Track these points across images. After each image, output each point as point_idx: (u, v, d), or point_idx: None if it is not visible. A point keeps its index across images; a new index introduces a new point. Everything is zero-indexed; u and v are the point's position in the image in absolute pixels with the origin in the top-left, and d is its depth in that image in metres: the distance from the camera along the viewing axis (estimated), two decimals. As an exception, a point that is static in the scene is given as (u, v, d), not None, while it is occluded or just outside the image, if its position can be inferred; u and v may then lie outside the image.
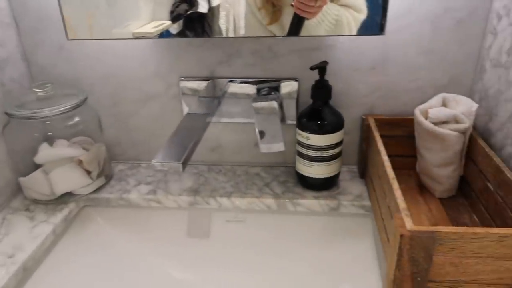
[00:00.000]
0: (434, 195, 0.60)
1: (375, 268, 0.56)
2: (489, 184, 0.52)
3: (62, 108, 0.60)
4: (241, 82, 0.66)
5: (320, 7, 0.54)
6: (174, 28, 0.64)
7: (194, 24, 0.63)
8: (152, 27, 0.60)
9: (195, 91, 0.67)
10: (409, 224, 0.41)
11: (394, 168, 0.50)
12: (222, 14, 0.61)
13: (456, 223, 0.55)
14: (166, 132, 0.71)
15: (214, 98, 0.65)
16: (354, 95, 0.64)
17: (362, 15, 0.52)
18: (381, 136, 0.62)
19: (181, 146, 0.51)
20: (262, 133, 0.60)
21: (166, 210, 0.66)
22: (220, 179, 0.69)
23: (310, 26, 0.54)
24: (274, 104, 0.59)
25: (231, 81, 0.66)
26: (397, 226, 0.41)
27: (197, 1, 0.64)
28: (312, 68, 0.56)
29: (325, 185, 0.64)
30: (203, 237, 0.67)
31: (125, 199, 0.66)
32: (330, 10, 0.53)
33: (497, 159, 0.50)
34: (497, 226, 0.49)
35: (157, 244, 0.67)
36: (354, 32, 0.52)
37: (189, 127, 0.56)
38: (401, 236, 0.40)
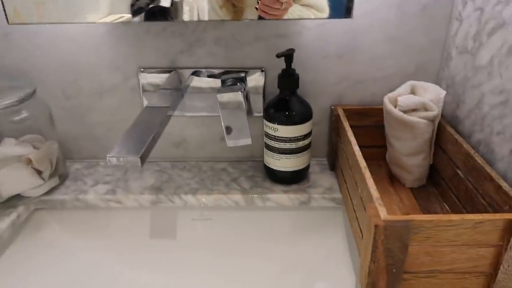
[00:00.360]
0: (404, 185, 0.59)
1: (347, 261, 0.55)
2: (459, 172, 0.51)
3: (6, 102, 0.54)
4: (206, 73, 0.62)
5: (286, 9, 0.52)
6: (135, 22, 0.60)
7: (156, 18, 0.59)
8: (111, 21, 0.55)
9: (155, 83, 0.63)
10: (383, 214, 0.39)
11: (364, 159, 0.49)
12: (186, 9, 0.58)
13: (427, 212, 0.54)
14: (126, 127, 0.66)
15: (176, 90, 0.61)
16: (322, 84, 0.62)
17: (324, 14, 0.52)
18: (350, 126, 0.61)
19: (139, 140, 0.47)
20: (228, 128, 0.58)
21: (127, 210, 0.62)
22: (185, 175, 0.65)
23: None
24: (240, 95, 0.56)
25: (194, 72, 0.63)
26: (371, 216, 0.39)
27: None
28: (278, 56, 0.54)
29: (295, 178, 0.62)
30: (168, 238, 0.63)
31: (81, 200, 0.61)
32: (293, 11, 0.52)
33: (466, 146, 0.50)
34: (468, 213, 0.49)
35: (118, 247, 0.62)
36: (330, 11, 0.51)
37: (148, 121, 0.52)
38: (376, 226, 0.38)
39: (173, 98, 0.59)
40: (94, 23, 0.58)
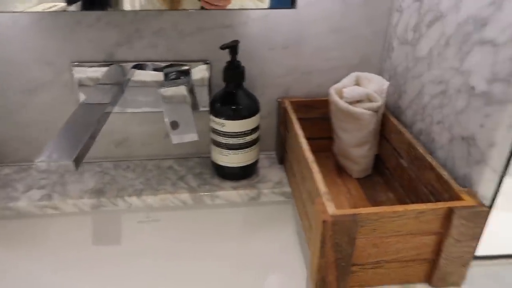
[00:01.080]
0: (351, 176, 0.60)
1: (299, 255, 0.54)
2: (402, 161, 0.52)
3: None
4: (147, 67, 0.59)
5: (228, 0, 0.50)
6: (66, 12, 0.55)
7: (94, 6, 0.55)
8: (42, 10, 0.50)
9: (91, 78, 0.59)
10: (331, 209, 0.39)
11: (312, 151, 0.48)
12: None
13: (373, 202, 0.55)
14: (60, 126, 0.61)
15: (116, 85, 0.57)
16: (269, 77, 0.61)
17: (265, 4, 0.50)
18: (298, 119, 0.60)
19: (73, 141, 0.44)
20: (174, 123, 0.55)
21: (65, 216, 0.57)
22: (129, 176, 0.62)
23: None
24: (183, 89, 0.54)
25: (135, 66, 0.59)
26: (318, 212, 0.39)
27: None
28: (222, 48, 0.52)
29: (244, 174, 0.60)
30: (113, 244, 0.60)
31: (12, 209, 0.56)
32: (235, 1, 0.50)
33: (409, 136, 0.51)
34: (412, 202, 0.50)
35: (58, 257, 0.57)
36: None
37: (84, 119, 0.48)
38: (324, 222, 0.38)
39: (112, 94, 0.55)
40: (21, 12, 0.52)
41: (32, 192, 0.58)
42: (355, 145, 0.57)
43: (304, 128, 0.61)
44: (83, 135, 0.44)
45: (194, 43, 0.58)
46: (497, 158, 0.38)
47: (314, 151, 0.64)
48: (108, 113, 0.52)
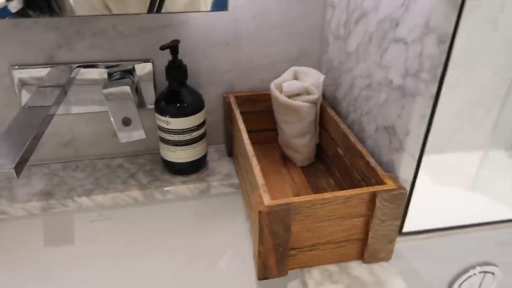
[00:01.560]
0: (296, 165, 0.64)
1: (249, 243, 0.58)
2: (339, 149, 0.56)
3: None
4: (90, 68, 0.59)
5: None
6: (13, 7, 0.54)
7: (37, 2, 0.54)
8: None
9: (33, 81, 0.58)
10: (266, 200, 0.42)
11: (259, 142, 0.50)
12: None
13: (315, 188, 0.59)
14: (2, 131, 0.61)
15: (58, 87, 0.57)
16: (214, 73, 0.63)
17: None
18: (244, 112, 0.63)
19: (14, 146, 0.44)
20: (126, 120, 0.56)
21: (14, 221, 0.57)
22: (78, 176, 0.62)
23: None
24: (127, 89, 0.54)
25: (78, 67, 0.59)
26: (255, 203, 0.42)
27: None
28: (162, 48, 0.53)
29: (193, 168, 0.63)
30: (65, 244, 0.60)
31: (-43, 216, 0.55)
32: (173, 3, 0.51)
33: (343, 126, 0.54)
34: (348, 187, 0.54)
35: (8, 263, 0.58)
36: (209, 4, 0.51)
37: (26, 123, 0.48)
38: (259, 212, 0.41)
39: (55, 96, 0.55)
40: None
41: (-23, 199, 0.57)
42: (297, 135, 0.60)
43: (250, 121, 0.64)
44: (24, 140, 0.45)
45: (135, 43, 0.58)
46: (413, 145, 0.42)
47: (261, 142, 0.67)
48: (51, 116, 0.52)
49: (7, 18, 0.51)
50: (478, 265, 0.57)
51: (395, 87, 0.43)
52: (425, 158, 0.85)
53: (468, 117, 0.91)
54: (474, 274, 0.57)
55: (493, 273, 0.58)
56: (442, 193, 0.69)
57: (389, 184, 0.43)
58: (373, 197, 0.43)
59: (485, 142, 0.85)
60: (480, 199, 0.68)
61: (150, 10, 0.53)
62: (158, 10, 0.53)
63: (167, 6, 0.53)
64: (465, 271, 0.57)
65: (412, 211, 0.47)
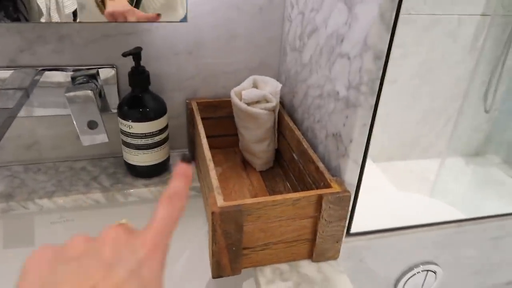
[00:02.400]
0: (255, 169, 0.66)
1: (207, 244, 0.60)
2: (294, 155, 0.59)
3: None
4: (53, 71, 0.60)
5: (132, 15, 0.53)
6: None
7: (2, 1, 0.54)
8: None
9: (-6, 83, 0.59)
10: (219, 202, 0.44)
11: (221, 147, 0.53)
12: None
13: (272, 192, 0.62)
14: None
15: (20, 90, 0.58)
16: (177, 80, 0.65)
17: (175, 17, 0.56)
18: (206, 118, 0.65)
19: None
20: (92, 123, 0.57)
21: (-27, 222, 0.58)
22: (40, 178, 0.63)
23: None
24: (89, 93, 0.56)
25: (41, 71, 0.60)
26: (210, 204, 0.44)
27: None
28: (124, 55, 0.55)
29: (155, 171, 0.64)
30: (26, 246, 0.61)
31: None
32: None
33: (298, 132, 0.58)
34: (302, 190, 0.57)
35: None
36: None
37: (-14, 126, 0.49)
38: (212, 213, 0.43)
39: (17, 99, 0.56)
40: None
41: None
42: (256, 141, 0.63)
43: (212, 126, 0.66)
44: (-16, 142, 0.45)
45: (100, 48, 0.60)
46: (356, 151, 0.46)
47: (223, 147, 0.70)
48: (12, 118, 0.53)
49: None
50: (421, 264, 0.61)
51: (341, 98, 0.47)
52: (387, 164, 0.90)
53: (430, 125, 0.96)
54: (418, 272, 0.61)
55: (435, 272, 0.62)
56: (390, 195, 0.74)
57: (335, 188, 0.47)
58: (319, 199, 0.46)
59: (445, 149, 0.91)
60: (430, 202, 0.73)
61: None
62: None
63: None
64: (410, 269, 0.61)
65: (360, 213, 0.51)
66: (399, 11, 0.38)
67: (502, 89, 0.90)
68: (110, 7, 0.55)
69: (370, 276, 0.59)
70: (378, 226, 0.55)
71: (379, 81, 0.41)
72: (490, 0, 0.81)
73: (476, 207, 0.68)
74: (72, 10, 0.56)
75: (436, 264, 0.62)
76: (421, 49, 0.80)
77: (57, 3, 0.56)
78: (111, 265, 0.24)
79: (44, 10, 0.56)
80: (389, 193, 0.78)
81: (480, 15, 0.82)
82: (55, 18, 0.56)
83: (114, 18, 0.56)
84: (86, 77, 0.61)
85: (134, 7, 0.56)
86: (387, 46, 0.39)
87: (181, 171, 0.30)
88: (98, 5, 0.55)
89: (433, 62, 0.83)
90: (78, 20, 0.56)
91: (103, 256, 0.24)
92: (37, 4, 0.55)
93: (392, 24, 0.38)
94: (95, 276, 0.23)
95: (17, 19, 0.55)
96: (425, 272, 0.62)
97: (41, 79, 0.60)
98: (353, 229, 0.53)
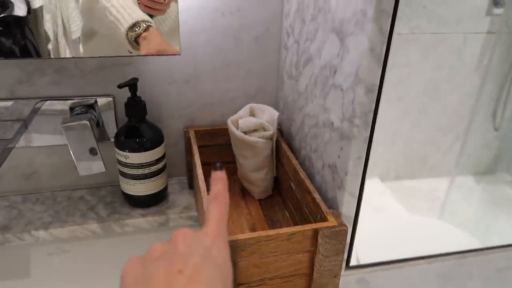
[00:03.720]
0: (254, 197, 0.65)
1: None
2: (291, 184, 0.58)
3: None
4: (51, 102, 0.61)
5: (168, 4, 0.54)
6: None
7: (11, 29, 0.55)
8: None
9: (-7, 115, 0.59)
10: (211, 237, 0.43)
11: None
12: (47, 16, 0.55)
13: (271, 221, 0.61)
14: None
15: (18, 121, 0.58)
16: (174, 108, 0.65)
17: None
18: (204, 146, 0.65)
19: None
20: (92, 150, 0.57)
21: (-31, 255, 0.57)
22: (37, 209, 0.63)
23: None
24: (86, 123, 0.56)
25: (39, 102, 0.60)
26: (202, 240, 0.43)
27: (11, 3, 0.56)
28: (120, 86, 0.55)
29: (153, 201, 0.64)
30: (22, 278, 0.60)
31: None
32: (172, 8, 0.54)
33: (295, 161, 0.57)
34: (300, 221, 0.56)
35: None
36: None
37: (-17, 158, 0.49)
38: (204, 249, 0.42)
39: (15, 130, 0.56)
40: None
41: None
42: (253, 169, 0.62)
43: (210, 154, 0.66)
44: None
45: (97, 79, 0.60)
46: (352, 184, 0.45)
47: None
48: (10, 148, 0.53)
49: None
50: (426, 296, 0.59)
51: (335, 128, 0.46)
52: (396, 183, 0.88)
53: (438, 143, 0.94)
54: (423, 304, 0.59)
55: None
56: (398, 219, 0.72)
57: (331, 221, 0.45)
58: (315, 233, 0.45)
59: (453, 168, 0.89)
60: (438, 226, 0.71)
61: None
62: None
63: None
64: (414, 301, 0.59)
65: (364, 241, 0.50)
66: (390, 45, 0.37)
67: (511, 107, 0.89)
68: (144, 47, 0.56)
69: (372, 309, 0.57)
70: (379, 258, 0.54)
71: (372, 113, 0.41)
72: (495, 18, 0.80)
73: (486, 228, 0.67)
74: (79, 35, 0.56)
75: (441, 296, 0.59)
76: (427, 67, 0.79)
77: (64, 28, 0.57)
78: (186, 255, 0.30)
79: (51, 35, 0.57)
80: (396, 215, 0.76)
81: (486, 33, 0.81)
82: (62, 43, 0.56)
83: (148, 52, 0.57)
84: (84, 107, 0.62)
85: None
86: (379, 79, 0.39)
87: (217, 176, 0.37)
88: (130, 43, 0.55)
89: (439, 80, 0.82)
90: (81, 50, 0.56)
91: (179, 250, 0.30)
92: (45, 30, 0.56)
93: (383, 58, 0.38)
94: (177, 264, 0.29)
95: (25, 46, 0.56)
96: (430, 305, 0.59)
97: (40, 110, 0.61)
98: (353, 262, 0.52)
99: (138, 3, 0.54)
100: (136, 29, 0.54)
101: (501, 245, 0.59)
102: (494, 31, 0.81)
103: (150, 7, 0.54)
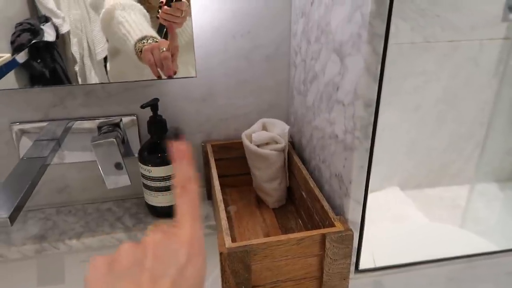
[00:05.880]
0: (268, 206, 0.69)
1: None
2: (303, 193, 0.62)
3: None
4: (81, 123, 0.67)
5: (185, 17, 0.59)
6: (21, 57, 0.61)
7: (42, 54, 0.61)
8: None
9: (30, 135, 0.65)
10: (227, 242, 0.47)
11: (236, 185, 0.56)
12: (74, 40, 0.61)
13: (284, 229, 0.64)
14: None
15: (53, 140, 0.64)
16: (192, 125, 0.70)
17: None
18: (221, 159, 0.69)
19: (10, 196, 0.50)
20: (118, 165, 0.62)
21: (10, 263, 0.63)
22: (70, 220, 0.68)
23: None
24: (113, 141, 0.61)
25: (71, 122, 0.66)
26: (219, 245, 0.47)
27: (41, 29, 0.62)
28: (142, 107, 0.60)
29: (174, 211, 0.68)
30: (57, 283, 0.66)
31: (-42, 260, 0.61)
32: (188, 23, 0.59)
33: (305, 172, 0.60)
34: (311, 228, 0.59)
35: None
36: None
37: (23, 173, 0.55)
38: (221, 254, 0.46)
39: (50, 148, 0.62)
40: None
41: (-22, 243, 0.63)
42: (267, 180, 0.66)
43: (226, 167, 0.70)
44: (21, 189, 0.51)
45: (122, 100, 0.66)
46: (356, 192, 0.48)
47: (238, 185, 0.73)
48: (46, 166, 0.59)
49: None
50: (437, 299, 0.61)
51: (340, 140, 0.50)
52: (416, 192, 0.89)
53: (458, 151, 0.95)
54: (434, 307, 0.61)
55: (451, 307, 0.62)
56: (416, 226, 0.73)
57: (338, 226, 0.49)
58: (323, 238, 0.48)
59: (475, 175, 0.90)
60: (453, 232, 0.72)
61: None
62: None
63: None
64: (424, 305, 0.61)
65: (366, 249, 0.52)
66: (384, 63, 0.41)
67: (531, 112, 0.89)
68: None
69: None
70: (388, 262, 0.56)
71: (371, 126, 0.44)
72: (511, 24, 0.81)
73: (508, 235, 0.67)
74: (103, 56, 0.62)
75: (451, 299, 0.61)
76: (444, 75, 0.81)
77: (89, 50, 0.63)
78: (155, 277, 0.27)
79: (78, 58, 0.62)
80: (416, 222, 0.77)
81: (502, 39, 0.83)
82: (88, 64, 0.62)
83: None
84: (111, 126, 0.67)
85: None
86: (376, 95, 0.42)
87: (178, 148, 0.31)
88: (136, 54, 0.60)
89: (456, 88, 0.84)
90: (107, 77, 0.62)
91: (149, 267, 0.28)
92: (72, 54, 0.62)
93: (378, 75, 0.41)
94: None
95: (54, 69, 0.62)
96: (441, 308, 0.61)
97: (70, 130, 0.67)
98: (363, 265, 0.55)
99: (157, 17, 0.59)
100: (144, 41, 0.59)
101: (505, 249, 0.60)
102: (511, 36, 0.81)
103: (168, 20, 0.59)
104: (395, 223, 0.74)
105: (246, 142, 0.64)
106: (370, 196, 0.50)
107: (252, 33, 0.65)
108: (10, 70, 0.61)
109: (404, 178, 0.90)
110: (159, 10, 0.58)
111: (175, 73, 0.61)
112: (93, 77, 0.62)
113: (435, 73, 0.80)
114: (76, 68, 0.61)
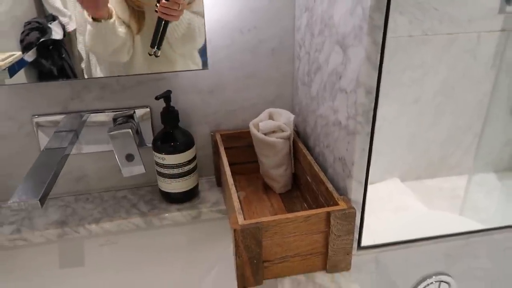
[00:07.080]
0: (275, 192, 0.73)
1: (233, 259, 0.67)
2: (308, 178, 0.66)
3: None
4: (97, 114, 0.70)
5: (182, 10, 0.61)
6: (29, 56, 0.65)
7: (50, 51, 0.65)
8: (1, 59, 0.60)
9: (50, 127, 0.69)
10: (240, 220, 0.51)
11: (244, 173, 0.60)
12: (80, 38, 0.64)
13: (291, 212, 0.68)
14: (25, 171, 0.71)
15: (71, 132, 0.68)
16: (202, 115, 0.74)
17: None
18: (230, 147, 0.73)
19: (38, 182, 0.54)
20: (129, 156, 0.66)
21: (34, 246, 0.67)
22: (88, 207, 0.72)
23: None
24: (128, 132, 0.65)
25: (88, 114, 0.70)
26: (232, 223, 0.52)
27: (49, 28, 0.65)
28: (157, 98, 0.64)
29: (186, 197, 0.72)
30: (77, 266, 0.70)
31: (-14, 244, 0.65)
32: (184, 16, 0.61)
33: (310, 157, 0.65)
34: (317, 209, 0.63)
35: (28, 281, 0.67)
36: (203, 36, 0.63)
37: (46, 163, 0.59)
38: (235, 230, 0.50)
39: (68, 139, 0.66)
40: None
41: (3, 228, 0.67)
42: (274, 167, 0.70)
43: (235, 155, 0.74)
44: (46, 177, 0.55)
45: (135, 93, 0.70)
46: (358, 173, 0.52)
47: (245, 173, 0.77)
48: (67, 156, 0.63)
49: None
50: (434, 275, 0.65)
51: (343, 126, 0.54)
52: (416, 183, 0.92)
53: (457, 143, 0.99)
54: (431, 283, 0.65)
55: (448, 283, 0.66)
56: (403, 219, 0.77)
57: (341, 205, 0.53)
58: (328, 216, 0.52)
59: (474, 166, 0.93)
60: (445, 215, 0.75)
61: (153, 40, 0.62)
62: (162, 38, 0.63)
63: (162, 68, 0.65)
64: (423, 279, 0.65)
65: (368, 227, 0.57)
66: (384, 53, 0.45)
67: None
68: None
69: (383, 286, 0.64)
70: (388, 239, 0.61)
71: (372, 112, 0.48)
72: (508, 16, 0.84)
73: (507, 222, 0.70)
74: None
75: (449, 275, 0.65)
76: (442, 67, 0.84)
77: None
78: None
79: (84, 55, 0.66)
80: (416, 211, 0.81)
81: (499, 31, 0.86)
82: (93, 61, 0.65)
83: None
84: (125, 118, 0.71)
85: (155, 55, 0.64)
86: (376, 82, 0.46)
87: None
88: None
89: (455, 80, 0.87)
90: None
91: None
92: (78, 51, 0.65)
93: (378, 64, 0.45)
94: None
95: (62, 66, 0.66)
96: (438, 283, 0.66)
97: (86, 121, 0.71)
98: (364, 243, 0.59)
99: (155, 10, 0.61)
100: None
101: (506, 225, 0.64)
102: (507, 28, 0.84)
103: (166, 14, 0.61)
104: (396, 213, 0.77)
105: (253, 130, 0.68)
106: (371, 188, 0.54)
107: (258, 28, 0.69)
108: (22, 68, 0.64)
109: (404, 171, 0.93)
110: (157, 4, 0.60)
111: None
112: (99, 74, 0.65)
113: (434, 66, 0.83)
114: (83, 65, 0.64)
